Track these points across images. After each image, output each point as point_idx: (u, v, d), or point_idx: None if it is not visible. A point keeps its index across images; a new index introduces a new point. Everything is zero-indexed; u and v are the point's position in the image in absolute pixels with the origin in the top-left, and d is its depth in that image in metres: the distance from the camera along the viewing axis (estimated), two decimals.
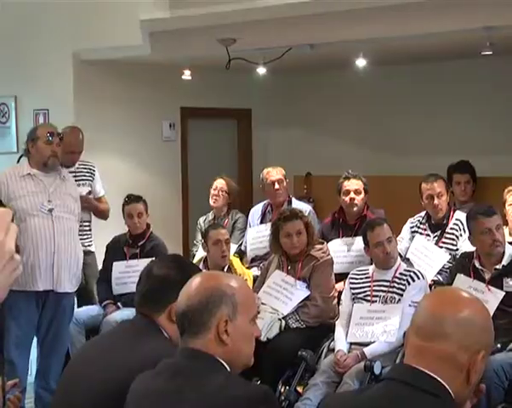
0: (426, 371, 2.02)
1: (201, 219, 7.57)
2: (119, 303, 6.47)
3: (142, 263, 6.48)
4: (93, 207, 6.87)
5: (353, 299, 5.50)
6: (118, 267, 6.58)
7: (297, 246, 5.78)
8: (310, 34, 6.53)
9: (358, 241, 6.15)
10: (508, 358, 4.74)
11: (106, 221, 7.06)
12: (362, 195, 6.43)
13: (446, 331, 2.02)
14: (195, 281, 2.40)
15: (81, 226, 6.73)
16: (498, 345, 4.80)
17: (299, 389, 5.28)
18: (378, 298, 5.37)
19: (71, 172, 6.72)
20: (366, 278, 5.51)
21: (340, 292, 5.75)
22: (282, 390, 5.24)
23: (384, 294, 5.36)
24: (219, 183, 7.40)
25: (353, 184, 6.43)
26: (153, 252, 6.50)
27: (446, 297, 2.13)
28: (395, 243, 5.49)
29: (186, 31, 6.66)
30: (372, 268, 5.55)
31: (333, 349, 5.30)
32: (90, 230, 6.97)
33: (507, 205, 6.08)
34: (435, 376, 2.01)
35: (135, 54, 7.15)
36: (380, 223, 5.54)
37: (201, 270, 3.03)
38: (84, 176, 6.90)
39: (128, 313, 6.23)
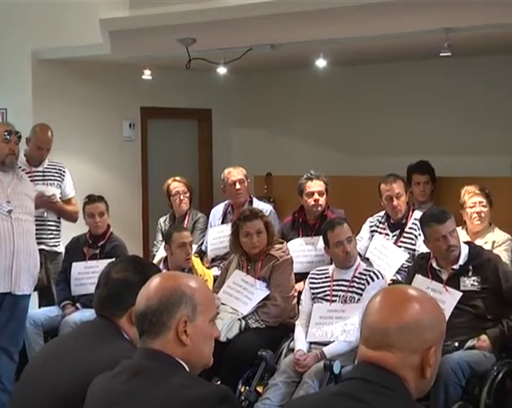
0: (384, 368, 2.05)
1: (162, 220, 7.55)
2: (78, 304, 6.43)
3: (102, 264, 6.43)
4: (56, 209, 6.82)
5: (313, 299, 5.51)
6: (77, 267, 6.53)
7: (257, 246, 5.78)
8: (270, 34, 6.54)
9: (318, 241, 6.19)
10: (465, 356, 4.79)
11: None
12: (325, 196, 6.46)
13: (393, 341, 2.06)
14: (154, 282, 2.39)
15: (48, 226, 6.71)
16: (456, 344, 4.86)
17: (259, 389, 5.29)
18: (337, 298, 5.40)
19: (39, 172, 6.72)
20: (325, 278, 5.53)
21: (300, 292, 5.76)
22: (242, 390, 5.24)
23: (343, 294, 5.39)
24: (179, 186, 7.36)
25: (316, 185, 6.45)
26: (113, 252, 6.46)
27: (388, 303, 2.13)
28: (354, 243, 5.52)
29: (146, 31, 6.63)
30: (331, 267, 5.57)
31: (293, 349, 5.31)
32: (58, 231, 6.93)
33: (466, 206, 6.13)
34: (394, 372, 2.05)
35: (95, 54, 7.11)
36: (340, 222, 5.56)
37: (160, 271, 3.01)
38: (53, 176, 6.87)
39: (87, 314, 6.19)
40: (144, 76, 7.92)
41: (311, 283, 5.58)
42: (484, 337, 4.93)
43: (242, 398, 5.16)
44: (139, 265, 2.90)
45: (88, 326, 3.01)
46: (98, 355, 2.62)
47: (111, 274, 2.85)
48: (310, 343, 5.33)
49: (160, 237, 7.34)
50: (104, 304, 2.83)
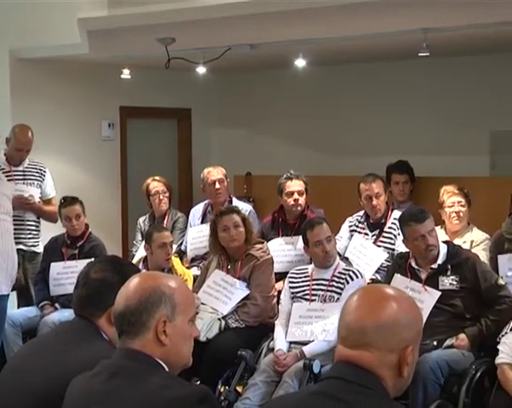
0: (362, 367, 2.06)
1: (141, 219, 7.53)
2: (57, 304, 6.40)
3: (81, 264, 6.41)
4: (34, 210, 6.79)
5: (292, 298, 5.52)
6: (56, 268, 6.50)
7: (235, 239, 5.77)
8: (249, 34, 6.55)
9: (298, 241, 6.20)
10: (444, 355, 4.81)
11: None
12: (305, 196, 6.47)
13: (370, 340, 2.06)
14: (133, 282, 2.38)
15: (28, 226, 6.67)
16: (435, 342, 4.88)
17: (239, 389, 5.28)
18: (317, 297, 5.40)
19: (19, 172, 6.68)
20: (305, 277, 5.54)
21: (280, 292, 5.76)
22: (222, 390, 5.23)
23: (322, 293, 5.40)
24: (159, 186, 7.35)
25: (296, 185, 6.46)
26: (92, 252, 6.44)
27: (366, 302, 2.14)
28: (334, 242, 5.53)
29: (125, 30, 6.62)
30: (311, 267, 5.58)
31: (273, 349, 5.32)
32: (37, 231, 6.90)
33: (445, 206, 6.16)
34: (372, 371, 2.05)
35: (73, 53, 7.08)
36: (320, 222, 5.58)
37: (139, 270, 3.00)
38: (33, 176, 6.85)
39: (66, 314, 6.17)
40: (123, 76, 7.90)
41: (291, 282, 5.58)
42: (462, 335, 4.96)
43: (222, 398, 5.15)
44: (118, 265, 2.89)
45: (67, 326, 2.99)
46: (77, 355, 2.61)
47: (90, 274, 2.84)
48: (290, 343, 5.33)
49: (139, 237, 7.32)
50: (83, 304, 2.82)
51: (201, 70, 7.37)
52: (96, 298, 2.77)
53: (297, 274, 5.60)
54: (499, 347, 4.65)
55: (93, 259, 6.39)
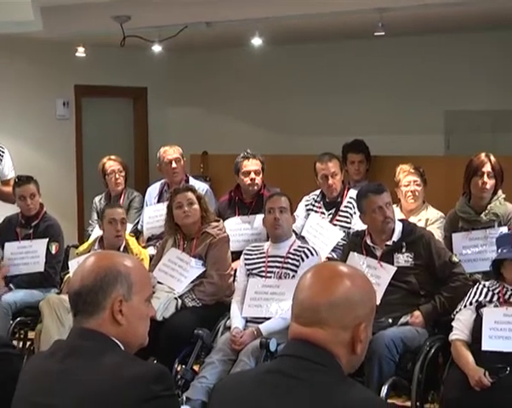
0: (316, 344, 2.07)
1: (97, 199, 7.48)
2: (11, 285, 6.33)
3: (35, 244, 6.38)
4: None
5: (248, 275, 5.52)
6: (10, 248, 6.43)
7: (189, 216, 5.76)
8: (206, 12, 6.52)
9: (254, 220, 6.22)
10: (399, 332, 4.85)
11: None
12: (261, 175, 6.48)
13: (324, 317, 2.07)
14: (89, 261, 2.36)
15: None
16: (390, 320, 4.92)
17: (196, 368, 5.29)
18: (272, 274, 5.42)
19: None
20: (260, 253, 5.54)
21: (236, 271, 5.77)
22: (179, 369, 5.23)
23: (278, 270, 5.41)
24: (115, 165, 7.31)
25: (253, 165, 6.47)
26: (47, 232, 6.40)
27: (319, 279, 2.14)
28: (287, 216, 5.52)
29: (79, 7, 6.55)
30: (267, 244, 5.60)
31: (230, 327, 5.33)
32: None
33: (401, 185, 6.21)
34: (326, 348, 2.06)
35: (26, 30, 6.96)
36: (281, 194, 5.66)
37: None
38: None
39: (21, 294, 6.12)
40: (77, 54, 7.82)
41: (246, 259, 5.59)
42: (417, 313, 5.01)
43: (179, 376, 5.15)
44: None
45: None
46: None
47: None
48: (246, 321, 5.34)
49: (95, 216, 7.27)
50: None
51: (156, 48, 7.32)
52: None
53: (252, 250, 5.61)
54: (453, 323, 4.72)
55: (47, 239, 6.39)
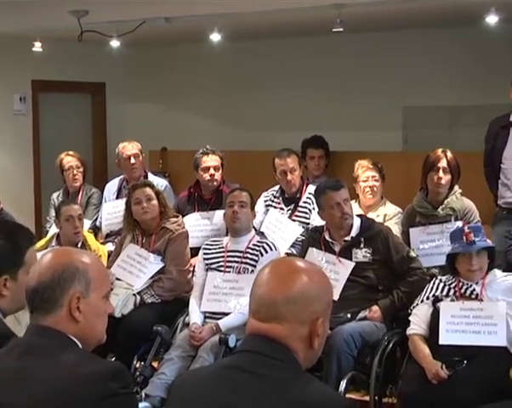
0: (274, 339, 2.07)
1: (55, 195, 7.43)
2: None
3: None
4: None
5: (207, 270, 5.52)
6: None
7: (147, 212, 5.74)
8: (164, 7, 6.48)
9: (214, 215, 6.22)
10: (357, 327, 4.89)
11: None
12: (221, 171, 6.48)
13: (281, 313, 2.08)
14: (46, 257, 2.35)
15: None
16: (348, 315, 4.95)
17: (155, 364, 5.28)
18: (231, 269, 5.42)
19: None
20: (219, 248, 5.54)
21: (195, 266, 5.76)
22: (137, 366, 5.22)
23: (237, 265, 5.41)
24: (72, 161, 7.25)
25: (212, 160, 6.46)
26: None
27: (276, 275, 2.15)
28: (247, 211, 5.52)
29: (36, 1, 6.47)
30: (226, 239, 5.60)
31: (189, 324, 5.32)
32: None
33: (360, 180, 6.24)
34: (283, 344, 2.07)
35: None
36: (242, 189, 5.67)
37: (31, 234, 2.95)
38: None
39: None
40: (34, 49, 7.74)
41: (205, 254, 5.58)
42: (375, 307, 5.05)
43: (138, 373, 5.14)
44: (8, 231, 2.86)
45: None
46: None
47: None
48: (205, 317, 5.34)
49: (53, 213, 7.21)
50: None
51: (114, 43, 7.28)
52: None
53: (211, 245, 5.61)
54: (410, 318, 4.77)
55: None
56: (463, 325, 4.57)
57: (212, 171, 6.44)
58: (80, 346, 2.29)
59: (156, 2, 6.33)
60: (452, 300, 4.69)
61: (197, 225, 6.36)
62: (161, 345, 5.30)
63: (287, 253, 5.96)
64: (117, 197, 7.00)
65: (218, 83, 9.09)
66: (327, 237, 5.31)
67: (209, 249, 5.58)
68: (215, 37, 7.02)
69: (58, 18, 6.77)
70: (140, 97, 9.62)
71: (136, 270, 5.69)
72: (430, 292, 4.78)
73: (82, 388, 2.12)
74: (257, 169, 7.47)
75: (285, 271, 2.16)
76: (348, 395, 4.62)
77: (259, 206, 6.47)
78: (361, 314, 5.02)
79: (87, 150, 9.20)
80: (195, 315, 5.32)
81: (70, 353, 2.23)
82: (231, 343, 4.90)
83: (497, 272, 4.77)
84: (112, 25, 6.91)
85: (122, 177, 7.13)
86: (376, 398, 4.74)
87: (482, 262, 4.67)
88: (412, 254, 5.21)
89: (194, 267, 5.80)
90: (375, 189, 6.22)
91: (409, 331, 4.72)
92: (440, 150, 5.69)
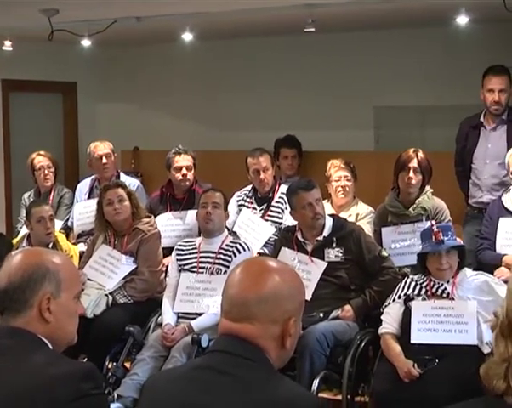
0: (246, 339, 2.07)
1: (26, 195, 7.38)
2: None
3: None
4: None
5: (180, 270, 5.50)
6: None
7: (119, 212, 5.72)
8: (136, 6, 6.46)
9: (186, 215, 6.20)
10: (330, 326, 4.89)
11: None
12: (193, 171, 6.47)
13: (253, 313, 2.08)
14: (16, 258, 2.33)
15: None
16: (321, 314, 4.96)
17: (127, 365, 5.26)
18: (204, 270, 5.41)
19: None
20: (192, 249, 5.53)
21: (168, 267, 5.75)
22: (110, 366, 5.20)
23: (210, 265, 5.40)
24: (44, 161, 7.21)
25: (184, 160, 6.45)
26: None
27: (248, 275, 2.15)
28: (221, 213, 5.52)
29: (6, 0, 6.41)
30: (199, 239, 5.59)
31: (161, 324, 5.30)
32: None
33: (332, 180, 6.25)
34: (255, 343, 2.07)
35: None
36: (216, 190, 5.65)
37: (9, 241, 2.94)
38: None
39: None
40: (4, 48, 7.67)
41: (178, 255, 5.56)
42: (348, 307, 5.06)
43: (110, 374, 5.12)
44: None
45: None
46: None
47: None
48: (178, 317, 5.33)
49: (24, 213, 7.14)
50: None
51: (85, 42, 7.24)
52: None
53: (184, 246, 5.60)
54: (382, 317, 4.78)
55: None
56: (434, 324, 4.60)
57: (184, 171, 6.43)
58: (51, 347, 2.27)
59: (128, 2, 6.30)
60: (424, 299, 4.72)
61: (170, 225, 6.34)
62: (133, 345, 5.28)
63: (259, 253, 5.96)
64: (89, 197, 6.97)
65: (190, 83, 9.07)
66: (300, 237, 5.32)
67: (182, 250, 5.57)
68: (187, 37, 7.01)
69: (28, 17, 6.72)
70: (112, 96, 9.59)
71: (108, 271, 5.66)
72: (402, 291, 4.80)
73: (52, 389, 2.10)
74: (229, 169, 7.47)
75: (257, 271, 2.15)
76: (320, 394, 4.64)
77: (232, 206, 6.46)
78: (334, 314, 5.04)
79: (58, 149, 9.15)
80: (168, 316, 5.31)
81: (40, 353, 2.21)
82: (204, 343, 4.89)
83: (468, 271, 4.80)
84: (83, 24, 6.87)
85: (93, 177, 7.10)
86: (348, 397, 4.76)
87: (452, 261, 4.70)
88: (384, 253, 5.23)
89: (167, 267, 5.78)
90: (347, 188, 6.23)
91: (381, 330, 4.73)
92: (411, 150, 5.72)
